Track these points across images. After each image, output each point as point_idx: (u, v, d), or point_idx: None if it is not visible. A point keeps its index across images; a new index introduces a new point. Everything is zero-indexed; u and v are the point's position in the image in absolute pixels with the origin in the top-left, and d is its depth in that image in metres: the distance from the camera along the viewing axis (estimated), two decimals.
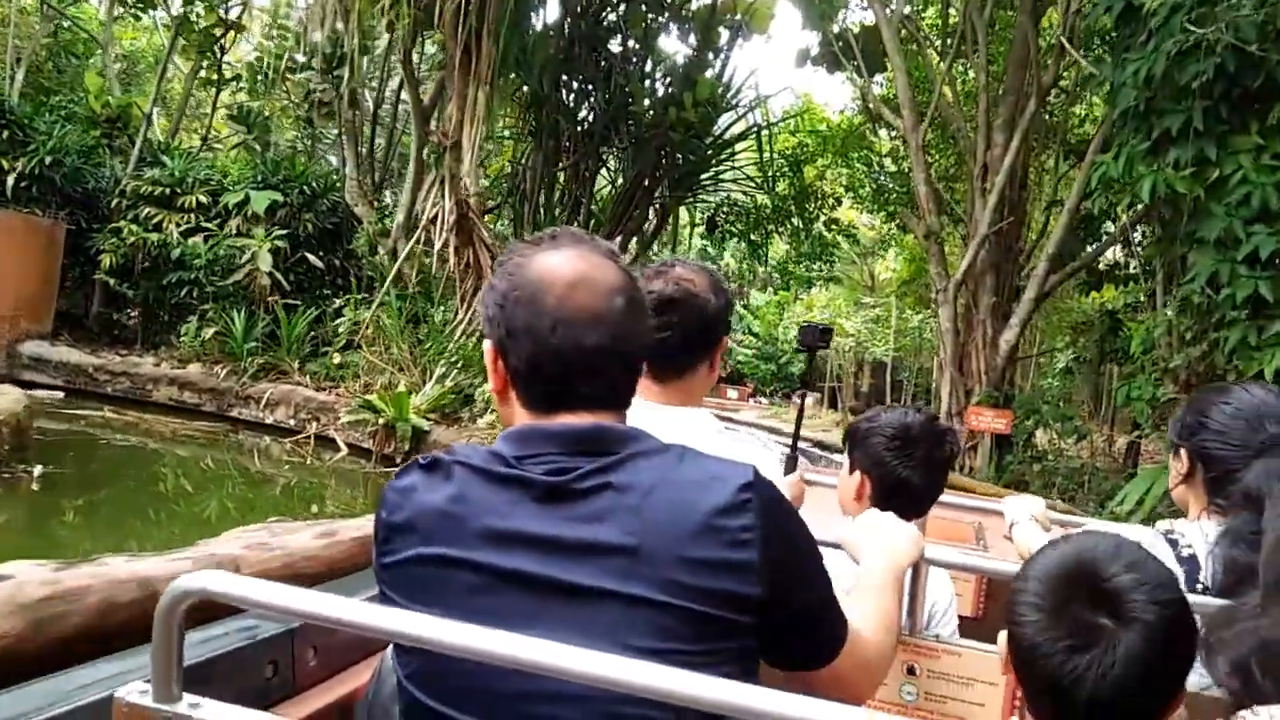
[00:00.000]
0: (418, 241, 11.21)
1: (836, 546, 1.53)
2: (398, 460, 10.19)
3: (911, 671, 1.67)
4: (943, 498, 2.05)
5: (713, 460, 1.12)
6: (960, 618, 2.09)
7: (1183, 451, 1.79)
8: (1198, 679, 1.19)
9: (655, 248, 17.59)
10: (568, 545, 1.05)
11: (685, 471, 1.09)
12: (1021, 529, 2.02)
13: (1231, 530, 1.58)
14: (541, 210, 15.27)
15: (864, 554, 1.46)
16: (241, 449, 11.94)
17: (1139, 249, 9.08)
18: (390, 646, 1.24)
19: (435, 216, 10.90)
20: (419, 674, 1.08)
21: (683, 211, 17.41)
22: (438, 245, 10.83)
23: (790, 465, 2.19)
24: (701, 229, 16.34)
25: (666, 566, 1.02)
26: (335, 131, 15.65)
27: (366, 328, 11.66)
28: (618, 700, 0.93)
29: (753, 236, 17.00)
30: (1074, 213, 10.06)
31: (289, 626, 1.48)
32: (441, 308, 12.03)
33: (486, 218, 15.16)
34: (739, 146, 15.90)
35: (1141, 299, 12.68)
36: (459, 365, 10.95)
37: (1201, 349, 7.22)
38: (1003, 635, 1.18)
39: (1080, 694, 1.08)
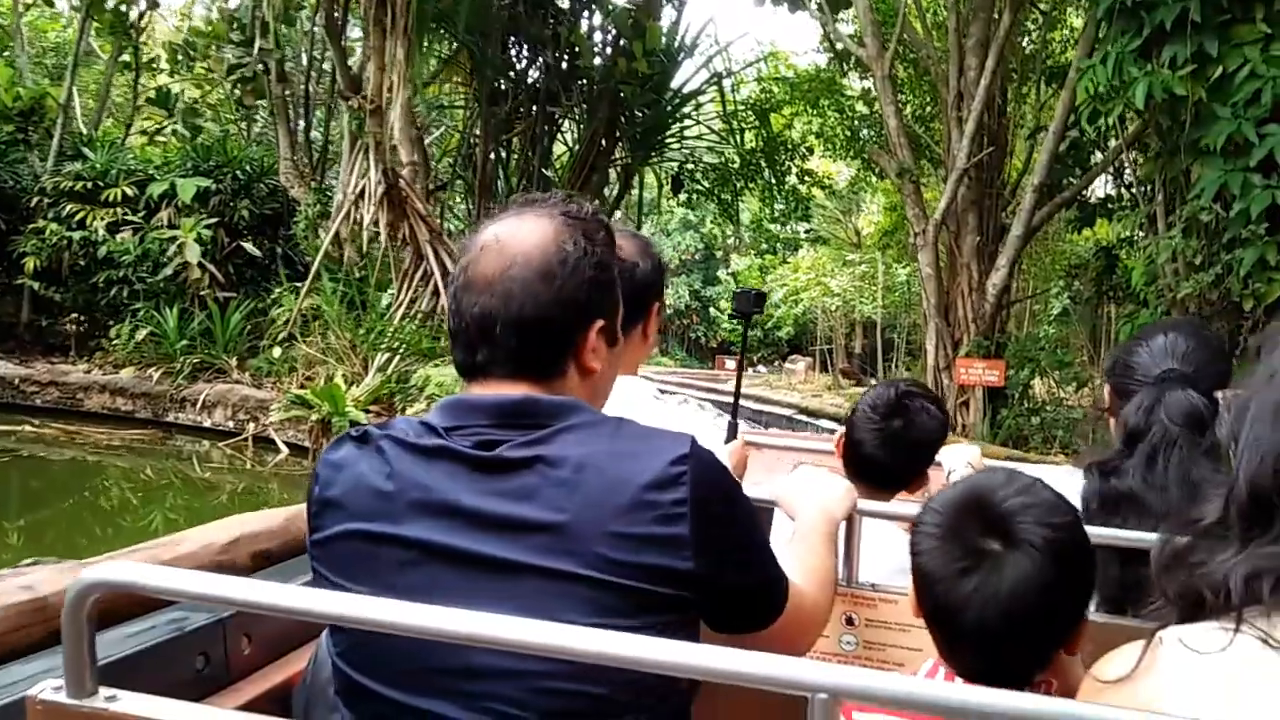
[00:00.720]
0: (346, 219, 10.23)
1: (771, 504, 1.58)
2: None
3: (850, 621, 1.70)
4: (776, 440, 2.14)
5: (649, 432, 1.11)
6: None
7: (1107, 387, 1.87)
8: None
9: (621, 213, 16.64)
10: (496, 520, 1.03)
11: (619, 444, 1.07)
12: (959, 476, 1.92)
13: (1099, 461, 1.71)
14: (498, 182, 14.33)
15: (798, 509, 1.47)
16: (181, 456, 11.10)
17: (1135, 166, 8.09)
18: (325, 630, 1.24)
19: (362, 191, 9.92)
20: (350, 652, 1.08)
21: (652, 175, 16.44)
22: (366, 221, 9.87)
23: (731, 433, 2.12)
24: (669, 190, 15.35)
25: (596, 542, 1.01)
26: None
27: (298, 318, 10.71)
28: (551, 675, 0.98)
29: (722, 195, 15.99)
30: (1060, 137, 9.07)
31: (219, 616, 1.45)
32: (388, 291, 11.12)
33: (444, 194, 14.27)
34: (701, 99, 14.91)
35: (1138, 232, 11.88)
36: (401, 351, 10.03)
37: (1214, 273, 6.31)
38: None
39: (968, 617, 1.12)
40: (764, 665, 0.80)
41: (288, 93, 13.92)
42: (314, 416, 9.38)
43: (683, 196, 15.60)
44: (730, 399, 2.24)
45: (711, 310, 35.37)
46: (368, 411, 9.50)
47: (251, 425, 10.77)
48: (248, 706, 1.42)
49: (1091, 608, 1.36)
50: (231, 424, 11.33)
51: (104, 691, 0.93)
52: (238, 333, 12.28)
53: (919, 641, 1.55)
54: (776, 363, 31.22)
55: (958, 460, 2.04)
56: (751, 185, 15.86)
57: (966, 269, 9.84)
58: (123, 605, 1.38)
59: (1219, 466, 1.30)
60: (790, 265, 30.20)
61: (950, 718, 0.84)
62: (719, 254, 36.71)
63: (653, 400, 1.84)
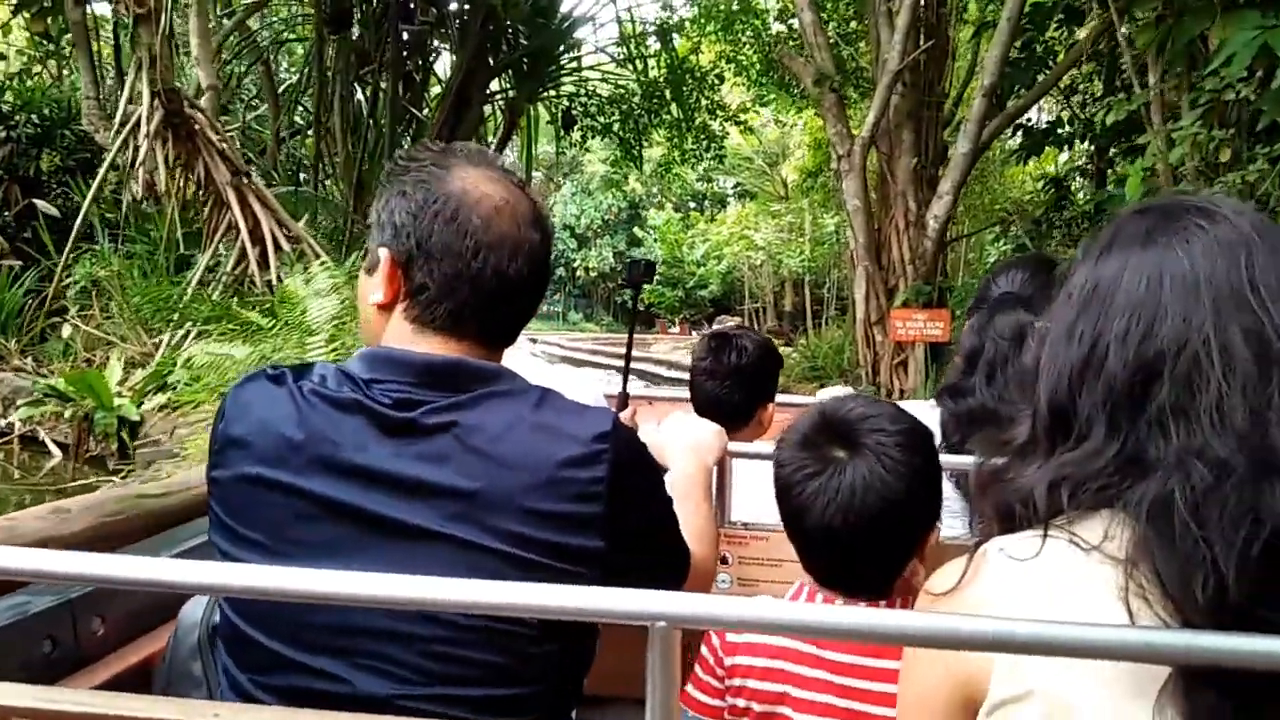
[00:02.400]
0: (123, 155, 7.96)
1: None
2: (110, 464, 7.21)
3: (724, 561, 1.75)
4: (781, 399, 2.12)
5: (572, 407, 1.08)
6: None
7: (967, 320, 1.92)
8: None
9: (514, 158, 14.51)
10: (405, 483, 1.00)
11: (540, 416, 1.04)
12: None
13: (946, 386, 1.83)
14: (365, 126, 12.10)
15: (671, 458, 1.45)
16: None
17: (1116, 46, 6.17)
18: (187, 604, 1.26)
19: (137, 122, 7.67)
20: (238, 601, 1.06)
21: (545, 113, 14.30)
22: (140, 155, 7.63)
23: (622, 403, 2.14)
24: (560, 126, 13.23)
25: (507, 515, 0.99)
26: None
27: (65, 289, 8.44)
28: (438, 640, 0.97)
29: (622, 133, 13.93)
30: (1015, 25, 7.16)
31: (66, 597, 1.37)
32: (195, 251, 8.90)
33: (294, 140, 12.02)
34: (598, 19, 12.83)
35: (1088, 164, 10.23)
36: (197, 325, 7.85)
37: (1246, 173, 4.47)
38: None
39: (812, 518, 1.18)
40: (603, 599, 0.80)
41: (87, 16, 11.46)
42: (69, 412, 7.19)
43: (576, 135, 13.46)
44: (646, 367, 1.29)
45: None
46: (146, 400, 7.34)
47: (20, 423, 8.49)
48: (104, 687, 1.34)
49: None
50: (3, 422, 9.03)
51: None
52: (16, 309, 9.92)
53: (790, 575, 1.53)
54: (703, 324, 29.55)
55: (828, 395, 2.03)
56: (656, 121, 13.81)
57: (901, 198, 7.97)
58: None
59: None
60: (718, 221, 28.27)
61: (789, 634, 1.08)
62: (645, 213, 34.61)
63: (528, 358, 2.01)
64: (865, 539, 1.17)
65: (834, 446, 1.20)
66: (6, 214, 10.67)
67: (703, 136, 14.18)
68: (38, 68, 13.58)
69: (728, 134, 14.76)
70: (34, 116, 11.17)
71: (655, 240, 32.74)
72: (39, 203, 10.77)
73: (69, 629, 1.37)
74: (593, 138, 14.05)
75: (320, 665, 0.99)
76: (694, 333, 27.41)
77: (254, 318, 7.06)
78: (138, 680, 1.40)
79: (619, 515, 1.02)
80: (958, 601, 0.84)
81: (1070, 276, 0.90)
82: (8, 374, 9.28)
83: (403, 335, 1.10)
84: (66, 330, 9.39)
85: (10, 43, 13.94)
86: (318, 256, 8.16)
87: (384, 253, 1.11)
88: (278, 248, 7.99)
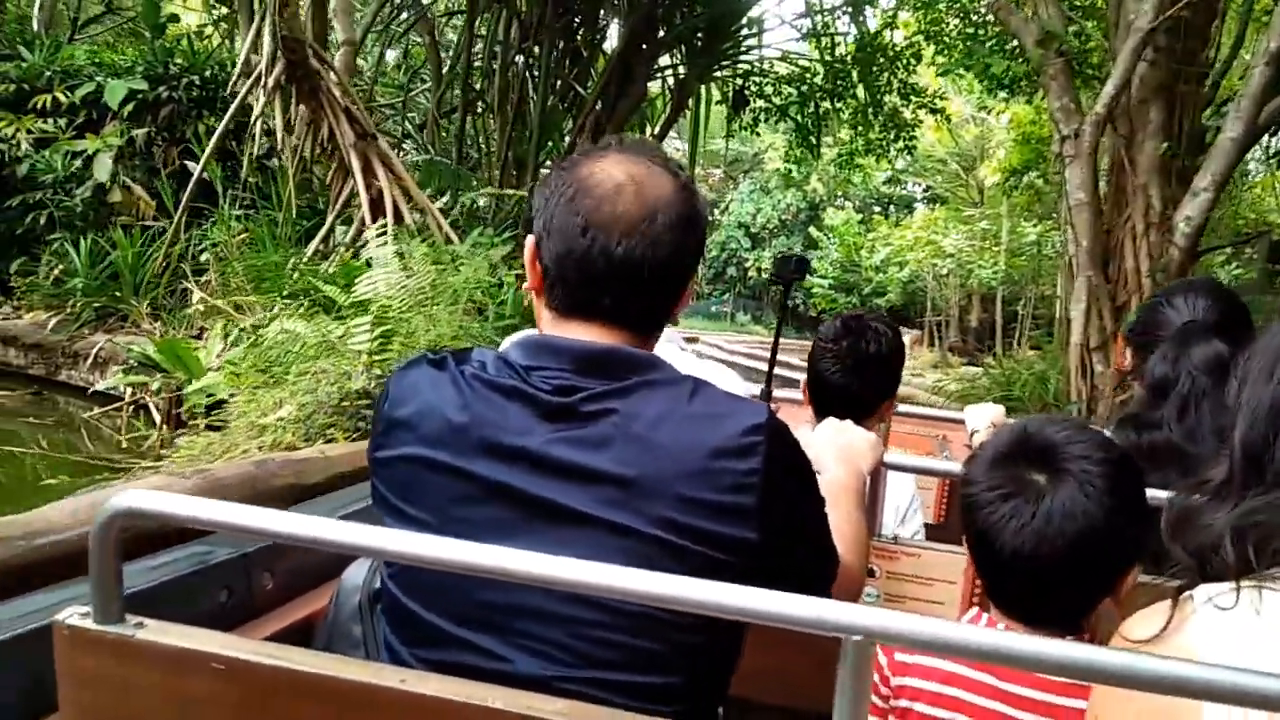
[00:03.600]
0: (245, 108, 7.33)
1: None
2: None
3: (871, 574, 1.69)
4: (905, 409, 2.25)
5: (727, 397, 1.09)
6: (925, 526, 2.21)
7: (1127, 348, 1.90)
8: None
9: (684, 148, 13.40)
10: (563, 467, 1.03)
11: (695, 406, 1.06)
12: (982, 437, 2.01)
13: (1129, 415, 1.73)
14: (528, 101, 11.30)
15: (825, 465, 1.43)
16: (37, 421, 8.51)
17: None
18: (349, 568, 1.32)
19: (259, 73, 7.01)
20: (401, 575, 1.09)
21: (717, 93, 13.10)
22: (257, 110, 6.96)
23: (765, 399, 2.08)
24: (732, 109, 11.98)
25: (662, 502, 1.01)
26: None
27: (178, 255, 7.92)
28: (600, 625, 0.99)
29: (800, 115, 12.54)
30: None
31: (243, 550, 1.46)
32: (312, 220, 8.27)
33: (453, 118, 11.37)
34: None
35: None
36: (307, 300, 7.13)
37: None
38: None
39: (1002, 540, 1.14)
40: (799, 607, 0.79)
41: None
42: (156, 383, 6.58)
43: (747, 117, 12.19)
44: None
45: (815, 278, 31.63)
46: (237, 380, 6.65)
47: (133, 391, 8.06)
48: (270, 639, 1.33)
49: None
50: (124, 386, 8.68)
51: (130, 619, 0.94)
52: (157, 272, 9.62)
53: (941, 595, 1.54)
54: None
55: (980, 419, 2.14)
56: (840, 105, 12.33)
57: (1142, 193, 6.28)
58: (146, 538, 1.34)
59: None
60: (902, 227, 26.25)
61: (987, 662, 1.03)
62: (824, 214, 32.86)
63: (677, 351, 1.99)
64: (1059, 570, 1.12)
65: (1034, 469, 1.17)
66: (164, 175, 10.50)
67: (891, 125, 12.60)
68: (210, 29, 13.53)
69: (920, 122, 13.10)
70: (196, 79, 10.98)
71: (832, 241, 30.86)
72: (190, 165, 10.57)
73: (244, 582, 1.46)
74: (765, 120, 12.72)
75: (480, 642, 1.02)
76: None
77: (330, 292, 6.23)
78: (300, 636, 1.44)
79: (772, 508, 1.03)
80: (1159, 651, 0.81)
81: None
82: (126, 336, 8.96)
83: (547, 321, 1.15)
84: (195, 295, 8.99)
85: (188, 5, 13.99)
86: (440, 230, 7.28)
87: (529, 239, 1.16)
88: (399, 219, 7.16)
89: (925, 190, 36.03)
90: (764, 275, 35.49)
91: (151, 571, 1.33)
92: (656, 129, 12.15)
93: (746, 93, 11.75)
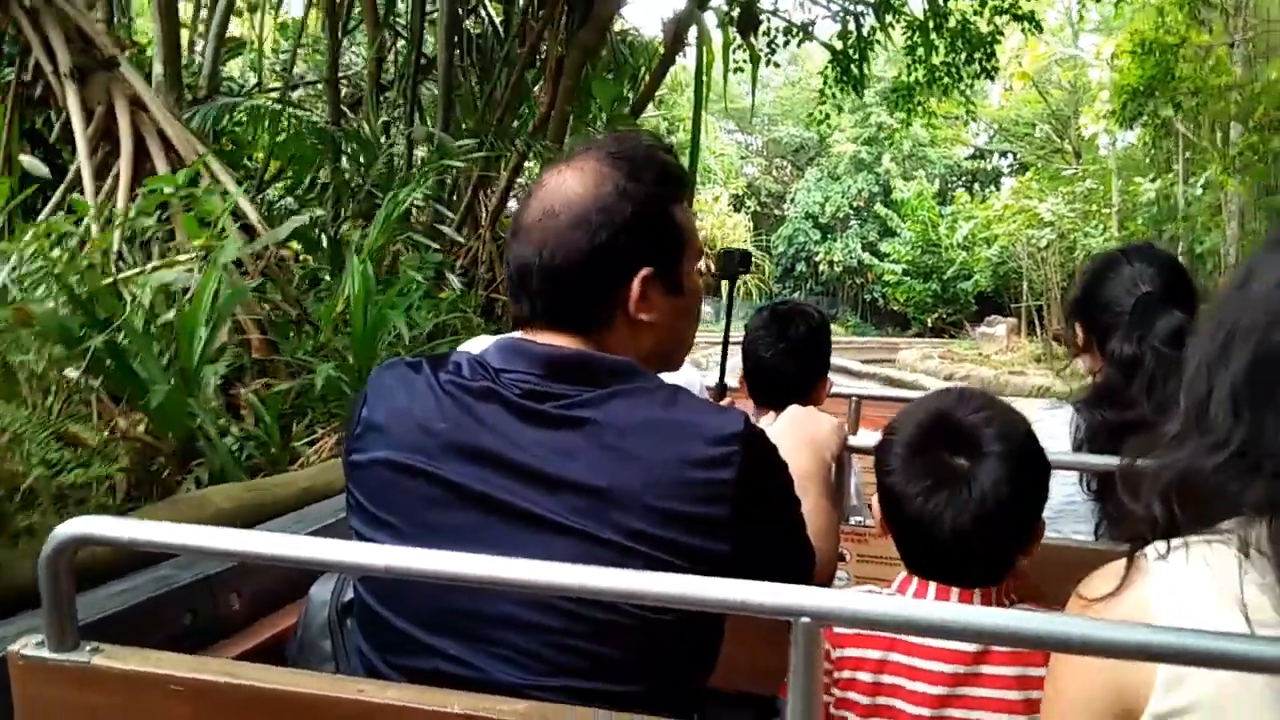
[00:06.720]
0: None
1: None
2: None
3: (842, 558, 1.75)
4: (879, 391, 3.07)
5: (703, 406, 1.11)
6: None
7: (1077, 325, 1.90)
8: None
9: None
10: (535, 474, 1.02)
11: (671, 414, 1.05)
12: None
13: (1094, 392, 1.78)
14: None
15: (788, 453, 1.31)
16: None
17: None
18: (315, 584, 1.30)
19: None
20: (372, 580, 1.09)
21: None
22: None
23: (719, 393, 2.17)
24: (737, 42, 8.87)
25: (633, 513, 1.00)
26: None
27: None
28: (570, 633, 0.99)
29: (838, 43, 9.41)
30: None
31: (206, 573, 1.47)
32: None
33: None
34: None
35: None
36: None
37: None
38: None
39: (943, 528, 1.20)
40: (746, 592, 0.80)
41: None
42: None
43: (761, 42, 9.08)
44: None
45: (887, 264, 28.15)
46: None
47: None
48: (239, 660, 1.38)
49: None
50: None
51: (86, 645, 0.93)
52: None
53: None
54: (965, 327, 23.89)
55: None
56: (891, 19, 9.16)
57: None
58: (107, 564, 1.40)
59: None
60: (985, 205, 22.65)
61: (944, 638, 1.09)
62: (896, 195, 29.39)
63: None
64: (991, 540, 1.21)
65: (956, 455, 1.22)
66: None
67: (962, 43, 9.37)
68: None
69: (1001, 36, 9.79)
70: None
71: (902, 219, 27.24)
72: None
73: (209, 603, 1.46)
74: (785, 45, 9.63)
75: (449, 649, 1.02)
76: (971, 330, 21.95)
77: None
78: (270, 655, 1.42)
79: (746, 519, 1.03)
80: (1114, 608, 0.84)
81: (1239, 276, 0.91)
82: None
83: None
84: None
85: None
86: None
87: None
88: (138, 180, 4.44)
89: (1012, 161, 32.34)
90: (836, 269, 32.33)
91: (110, 599, 1.33)
92: (639, 90, 9.14)
93: (756, 11, 8.65)
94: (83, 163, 4.52)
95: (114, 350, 2.71)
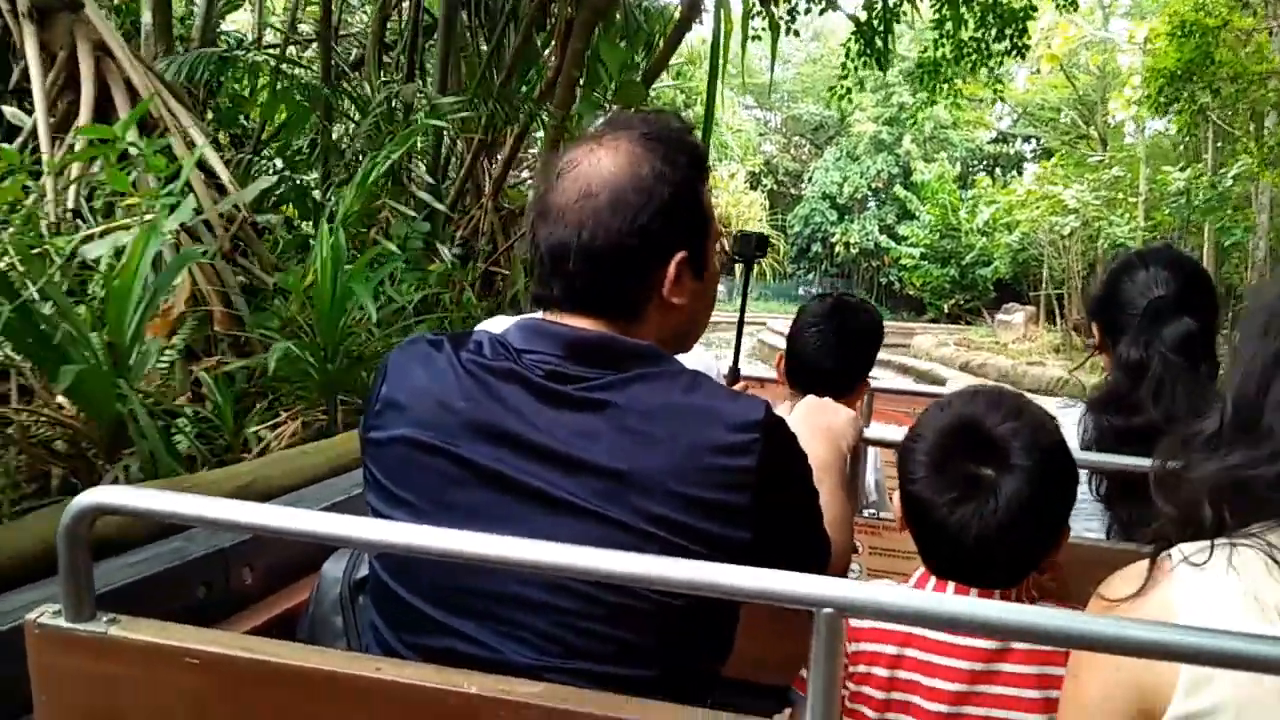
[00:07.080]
0: None
1: None
2: None
3: (854, 550, 1.66)
4: (887, 386, 2.29)
5: (725, 393, 1.09)
6: None
7: (1094, 325, 1.87)
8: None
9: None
10: (555, 455, 1.01)
11: (693, 400, 1.04)
12: None
13: (1103, 394, 1.76)
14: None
15: (804, 443, 1.31)
16: None
17: None
18: (327, 561, 1.31)
19: None
20: (387, 557, 1.09)
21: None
22: None
23: (733, 377, 2.16)
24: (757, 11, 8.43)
25: (653, 498, 0.99)
26: None
27: None
28: (585, 615, 0.98)
29: (862, 13, 8.98)
30: None
31: (220, 546, 1.47)
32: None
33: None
34: None
35: None
36: None
37: None
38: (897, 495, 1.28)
39: (968, 537, 1.19)
40: (769, 581, 0.79)
41: None
42: None
43: (782, 8, 8.64)
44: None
45: (905, 247, 27.60)
46: None
47: None
48: (251, 634, 1.39)
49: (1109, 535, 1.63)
50: None
51: (103, 615, 0.93)
52: None
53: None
54: (984, 313, 23.36)
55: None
56: None
57: None
58: (123, 534, 1.40)
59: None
60: (1007, 191, 22.09)
61: (967, 633, 1.07)
62: (916, 177, 28.78)
63: None
64: (1017, 547, 1.20)
65: (982, 466, 1.20)
66: None
67: (993, 14, 8.91)
68: None
69: (1034, 11, 9.31)
70: None
71: (921, 201, 26.64)
72: None
73: (222, 576, 1.45)
74: (807, 13, 9.18)
75: (467, 630, 1.01)
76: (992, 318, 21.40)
77: None
78: (281, 629, 1.43)
79: (767, 507, 1.02)
80: (1138, 609, 0.83)
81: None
82: None
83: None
84: None
85: None
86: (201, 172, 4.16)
87: None
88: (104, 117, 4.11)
89: (1035, 147, 31.64)
90: (852, 251, 31.79)
91: (126, 569, 1.33)
92: (653, 56, 8.71)
93: None
94: (39, 113, 4.16)
95: (27, 321, 2.37)
